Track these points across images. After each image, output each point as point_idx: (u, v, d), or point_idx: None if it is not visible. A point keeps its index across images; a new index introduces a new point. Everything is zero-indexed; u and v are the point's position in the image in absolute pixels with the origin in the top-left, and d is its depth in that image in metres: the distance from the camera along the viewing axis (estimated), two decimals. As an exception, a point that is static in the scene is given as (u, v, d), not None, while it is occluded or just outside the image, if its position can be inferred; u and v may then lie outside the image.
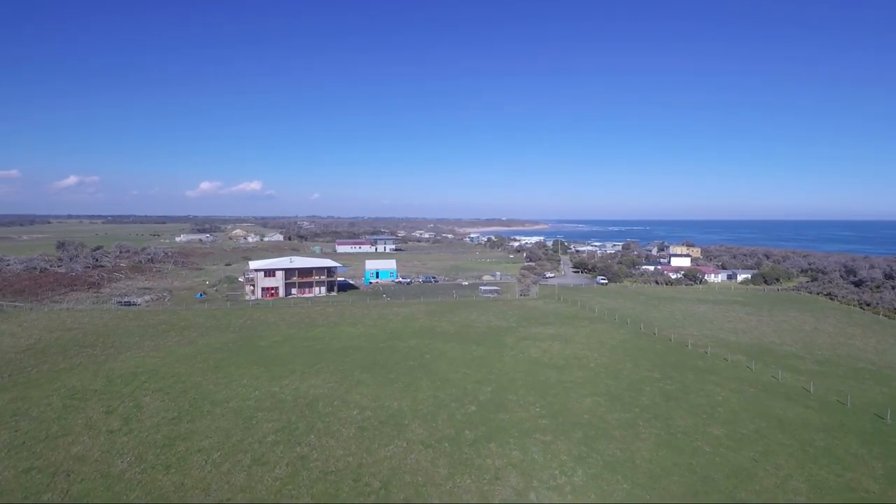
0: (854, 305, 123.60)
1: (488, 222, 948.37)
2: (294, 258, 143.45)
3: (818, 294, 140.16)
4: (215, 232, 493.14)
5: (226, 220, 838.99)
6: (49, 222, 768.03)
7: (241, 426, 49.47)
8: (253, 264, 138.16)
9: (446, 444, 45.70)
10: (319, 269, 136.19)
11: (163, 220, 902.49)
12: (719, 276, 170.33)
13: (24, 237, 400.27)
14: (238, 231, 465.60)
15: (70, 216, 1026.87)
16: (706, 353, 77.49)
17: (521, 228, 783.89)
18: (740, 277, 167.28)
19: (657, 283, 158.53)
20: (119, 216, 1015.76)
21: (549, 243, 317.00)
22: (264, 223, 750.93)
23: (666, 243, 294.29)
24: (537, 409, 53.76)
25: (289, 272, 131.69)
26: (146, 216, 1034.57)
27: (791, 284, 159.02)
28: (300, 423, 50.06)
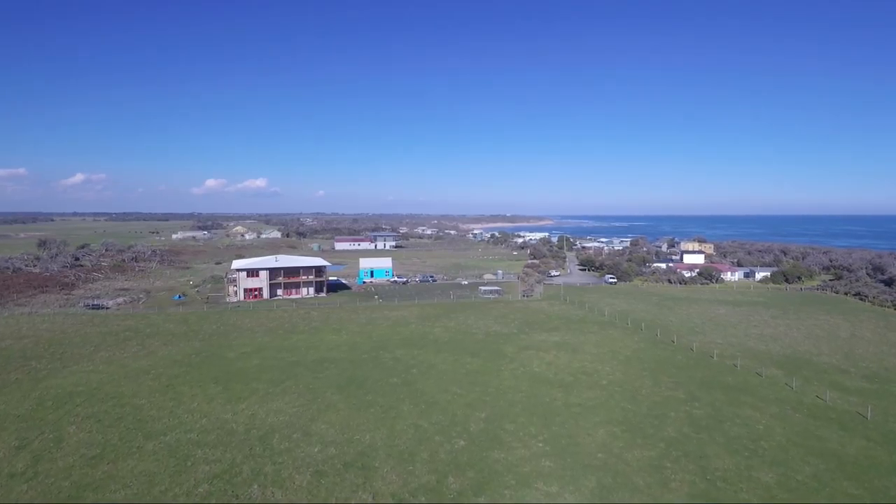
0: (888, 307, 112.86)
1: (493, 218, 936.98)
2: (280, 257, 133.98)
3: (846, 294, 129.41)
4: (217, 229, 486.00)
5: (229, 218, 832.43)
6: (52, 220, 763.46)
7: (171, 469, 39.99)
8: (236, 263, 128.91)
9: (423, 498, 36.02)
10: (307, 269, 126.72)
11: (167, 217, 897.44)
12: (736, 274, 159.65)
13: (22, 235, 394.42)
14: (239, 228, 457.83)
15: (76, 214, 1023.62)
16: (735, 366, 67.38)
17: (525, 224, 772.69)
18: (759, 276, 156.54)
19: (670, 282, 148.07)
20: (125, 213, 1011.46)
21: (554, 239, 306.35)
22: (267, 220, 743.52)
23: (676, 239, 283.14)
24: (540, 445, 43.96)
25: (273, 272, 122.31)
26: (151, 213, 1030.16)
27: (814, 283, 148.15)
28: (245, 465, 40.50)
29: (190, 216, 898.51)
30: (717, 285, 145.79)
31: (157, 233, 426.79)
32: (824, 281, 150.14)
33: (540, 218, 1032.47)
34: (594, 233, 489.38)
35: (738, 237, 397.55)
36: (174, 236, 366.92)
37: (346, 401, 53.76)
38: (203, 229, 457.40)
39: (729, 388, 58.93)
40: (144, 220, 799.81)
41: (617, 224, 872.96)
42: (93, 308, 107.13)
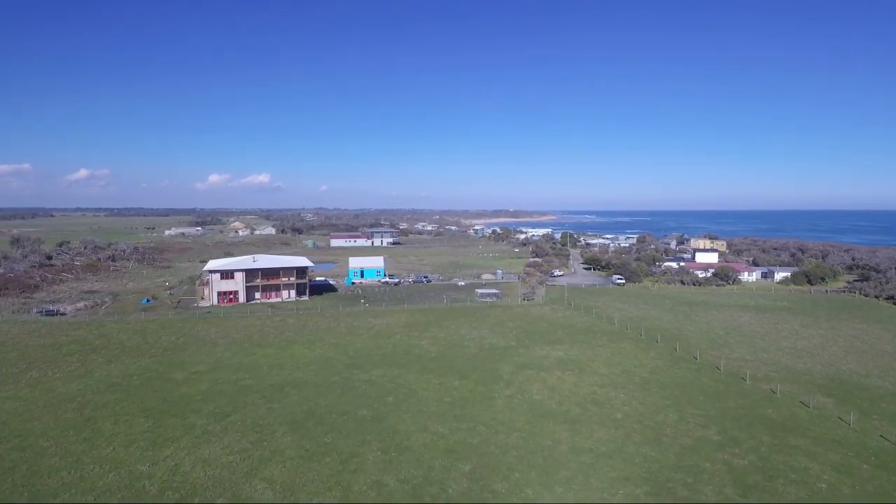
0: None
1: (495, 213, 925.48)
2: (258, 256, 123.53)
3: (877, 298, 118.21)
4: (216, 225, 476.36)
5: (230, 213, 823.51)
6: (52, 216, 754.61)
7: (39, 558, 29.62)
8: (210, 264, 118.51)
9: None
10: (288, 270, 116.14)
11: (167, 212, 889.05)
12: (753, 274, 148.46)
13: (15, 231, 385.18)
14: (237, 223, 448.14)
15: (78, 209, 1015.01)
16: (774, 392, 56.56)
17: (528, 220, 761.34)
18: (778, 276, 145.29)
19: (683, 283, 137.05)
20: (127, 209, 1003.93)
21: (557, 236, 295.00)
22: (268, 215, 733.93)
23: (686, 236, 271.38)
24: (539, 519, 33.41)
25: (250, 273, 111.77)
26: (154, 209, 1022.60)
27: (839, 285, 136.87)
28: (140, 552, 30.10)
29: (192, 211, 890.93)
30: (735, 287, 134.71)
31: (153, 229, 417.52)
32: (850, 282, 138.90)
33: (543, 213, 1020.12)
34: (598, 229, 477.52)
35: (745, 233, 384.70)
36: (167, 232, 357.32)
37: (299, 444, 43.23)
38: (201, 225, 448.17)
39: (773, 424, 48.12)
40: (145, 215, 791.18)
41: (620, 219, 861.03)
42: (47, 314, 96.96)
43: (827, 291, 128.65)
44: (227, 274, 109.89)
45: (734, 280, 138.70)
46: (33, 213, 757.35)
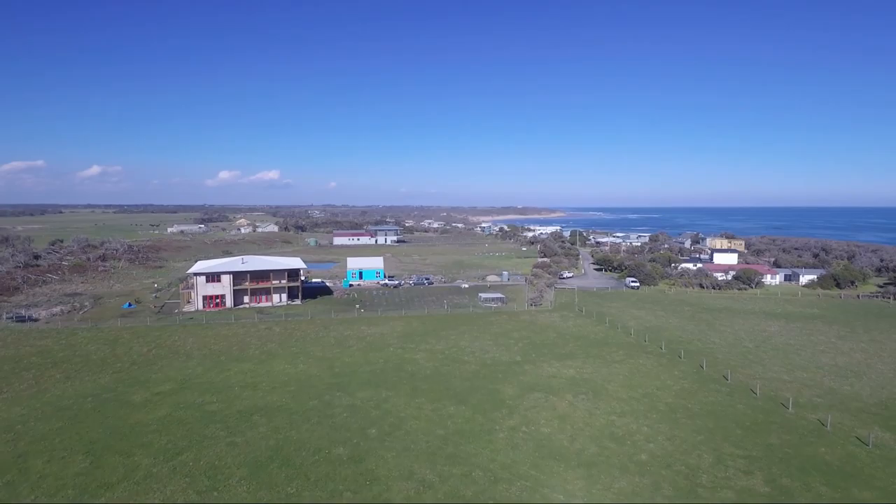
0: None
1: (503, 210, 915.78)
2: (248, 258, 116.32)
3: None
4: (222, 222, 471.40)
5: (239, 209, 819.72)
6: (61, 212, 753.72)
7: None
8: (196, 266, 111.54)
9: None
10: (279, 272, 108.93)
11: (177, 209, 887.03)
12: (777, 276, 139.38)
13: (20, 227, 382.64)
14: (242, 220, 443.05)
15: (89, 206, 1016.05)
16: (824, 424, 48.26)
17: (536, 217, 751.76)
18: (803, 279, 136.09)
19: (702, 286, 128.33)
20: (138, 205, 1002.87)
21: (566, 234, 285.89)
22: (276, 212, 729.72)
23: (701, 235, 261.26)
24: None
25: (238, 276, 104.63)
26: (164, 205, 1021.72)
27: (870, 289, 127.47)
28: None
29: (201, 208, 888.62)
30: (758, 291, 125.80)
31: (157, 226, 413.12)
32: (880, 286, 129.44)
33: (551, 210, 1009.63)
34: (607, 226, 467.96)
35: (758, 231, 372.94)
36: (169, 230, 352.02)
37: (256, 495, 35.72)
38: (206, 222, 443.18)
39: (829, 470, 39.97)
40: (154, 212, 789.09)
41: (629, 216, 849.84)
42: (18, 320, 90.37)
43: (858, 296, 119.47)
44: (213, 276, 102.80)
45: (757, 283, 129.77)
46: (43, 210, 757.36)
